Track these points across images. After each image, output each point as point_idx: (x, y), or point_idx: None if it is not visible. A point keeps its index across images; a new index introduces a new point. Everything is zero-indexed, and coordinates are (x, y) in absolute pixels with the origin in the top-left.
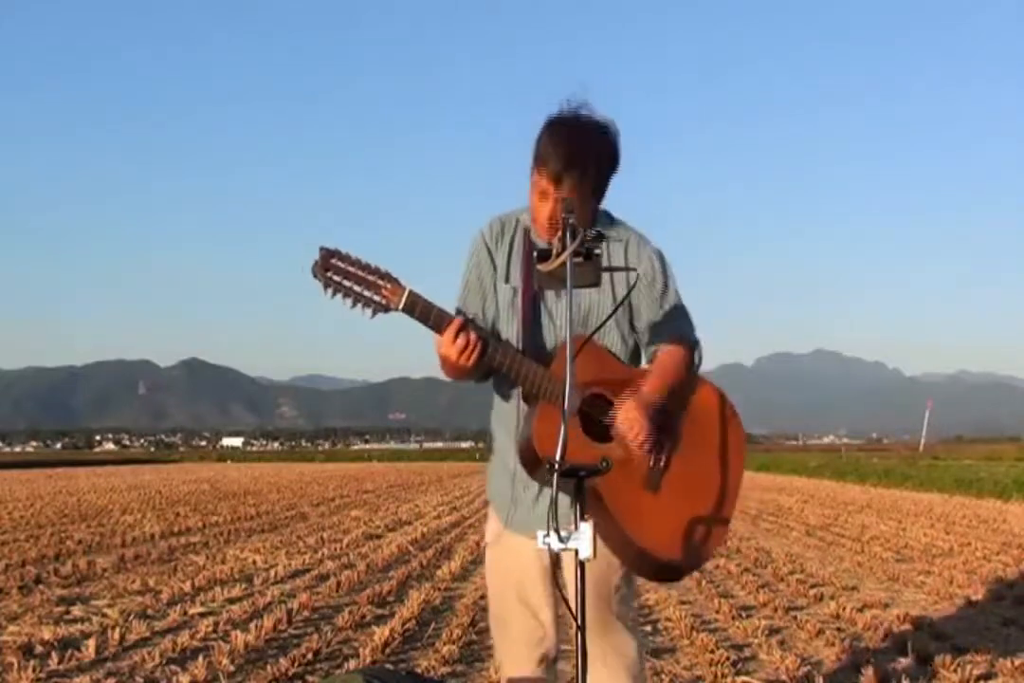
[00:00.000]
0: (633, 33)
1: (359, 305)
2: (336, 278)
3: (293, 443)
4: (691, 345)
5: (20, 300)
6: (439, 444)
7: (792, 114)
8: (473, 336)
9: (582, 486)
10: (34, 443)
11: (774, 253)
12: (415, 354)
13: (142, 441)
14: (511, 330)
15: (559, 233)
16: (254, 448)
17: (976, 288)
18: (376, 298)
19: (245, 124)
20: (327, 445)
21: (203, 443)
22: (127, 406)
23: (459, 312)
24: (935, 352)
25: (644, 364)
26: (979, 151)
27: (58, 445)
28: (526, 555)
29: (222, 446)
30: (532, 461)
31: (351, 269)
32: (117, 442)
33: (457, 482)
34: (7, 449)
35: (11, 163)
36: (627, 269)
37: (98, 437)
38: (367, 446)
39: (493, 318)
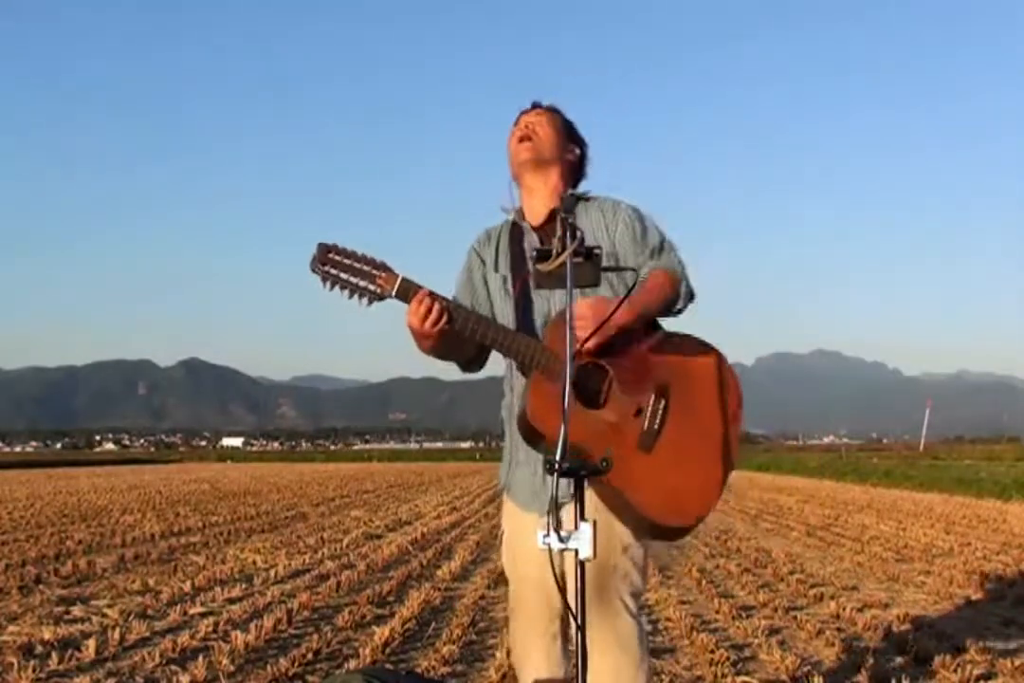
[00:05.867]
0: (619, 30)
1: (355, 295)
2: (333, 271)
3: (293, 443)
4: (674, 274)
5: (20, 300)
6: (439, 444)
7: (792, 113)
8: (437, 304)
9: (582, 485)
10: (34, 443)
11: (775, 253)
12: (415, 354)
13: (142, 441)
14: (505, 312)
15: (559, 232)
16: (254, 448)
17: (976, 288)
18: (371, 287)
19: (247, 124)
20: (327, 445)
21: (203, 443)
22: (127, 406)
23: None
24: (935, 352)
25: None
26: (979, 150)
27: (58, 445)
28: (533, 534)
29: (222, 446)
30: (530, 435)
31: (347, 261)
32: (117, 442)
33: (457, 482)
34: (7, 449)
35: (10, 163)
36: (627, 269)
37: (98, 437)
38: (367, 446)
39: (486, 306)
